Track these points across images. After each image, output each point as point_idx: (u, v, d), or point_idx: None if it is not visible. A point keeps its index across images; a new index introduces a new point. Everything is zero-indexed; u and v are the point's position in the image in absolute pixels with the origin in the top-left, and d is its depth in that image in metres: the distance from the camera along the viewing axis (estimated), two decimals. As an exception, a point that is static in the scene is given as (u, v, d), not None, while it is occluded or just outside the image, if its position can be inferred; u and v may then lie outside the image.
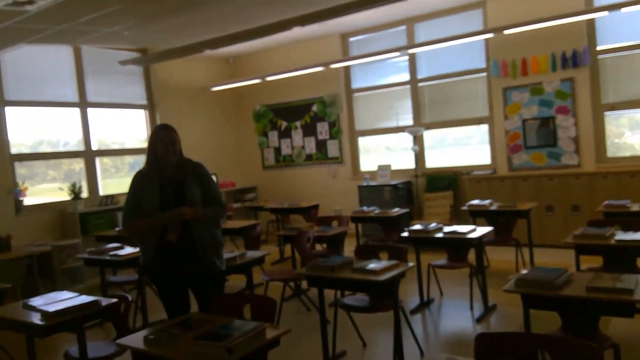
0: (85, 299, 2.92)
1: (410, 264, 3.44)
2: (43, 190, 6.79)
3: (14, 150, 6.38)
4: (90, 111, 7.29)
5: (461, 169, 7.30)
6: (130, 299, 3.15)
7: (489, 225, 5.02)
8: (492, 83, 7.00)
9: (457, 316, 4.38)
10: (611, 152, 6.44)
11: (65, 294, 3.10)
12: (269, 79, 8.31)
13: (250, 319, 2.53)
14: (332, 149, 8.47)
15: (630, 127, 6.53)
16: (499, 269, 5.49)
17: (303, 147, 8.79)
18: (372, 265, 3.28)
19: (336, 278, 3.28)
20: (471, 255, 4.50)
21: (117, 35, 6.01)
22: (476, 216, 5.56)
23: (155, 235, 2.96)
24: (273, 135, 9.11)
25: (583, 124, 6.38)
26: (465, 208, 5.71)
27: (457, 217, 6.85)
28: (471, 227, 4.45)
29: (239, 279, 4.36)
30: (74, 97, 7.13)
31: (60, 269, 6.03)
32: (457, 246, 4.55)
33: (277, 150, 9.09)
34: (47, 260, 5.48)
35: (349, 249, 6.25)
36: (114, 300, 2.97)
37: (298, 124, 8.79)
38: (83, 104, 7.22)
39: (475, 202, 5.76)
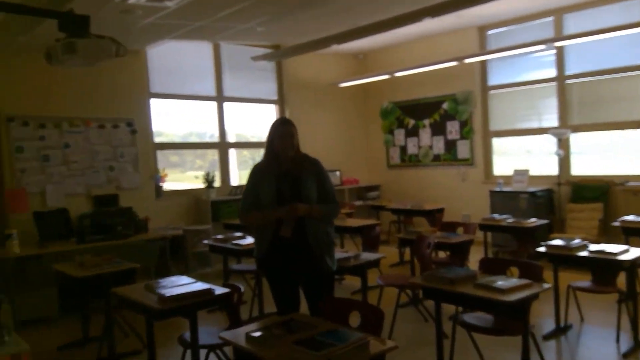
0: (200, 286, 2.97)
1: (546, 285, 2.99)
2: (187, 177, 7.29)
3: (156, 139, 6.91)
4: (227, 105, 7.67)
5: (614, 179, 6.37)
6: (242, 289, 3.16)
7: (647, 246, 4.27)
8: (658, 81, 5.99)
9: (599, 348, 3.77)
10: None
11: (184, 279, 3.21)
12: (397, 74, 8.04)
13: (357, 328, 2.36)
14: (463, 149, 7.96)
15: None
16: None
17: (431, 147, 8.38)
18: (500, 282, 2.90)
19: (456, 293, 2.96)
20: (621, 280, 3.84)
21: (251, 32, 6.21)
22: (630, 234, 4.81)
23: (270, 229, 2.95)
24: (399, 134, 8.83)
25: None
26: (617, 224, 4.95)
27: (607, 233, 5.98)
28: (623, 247, 3.81)
29: (355, 279, 4.22)
30: (212, 91, 7.55)
31: (192, 253, 6.42)
32: (604, 268, 3.91)
33: (403, 149, 8.79)
34: (179, 243, 5.85)
35: (474, 258, 5.79)
36: (226, 290, 2.99)
37: (426, 122, 8.41)
38: (220, 98, 7.62)
39: (630, 217, 4.97)
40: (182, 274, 6.26)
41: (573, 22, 6.71)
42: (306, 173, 3.01)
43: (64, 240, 5.14)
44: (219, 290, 2.99)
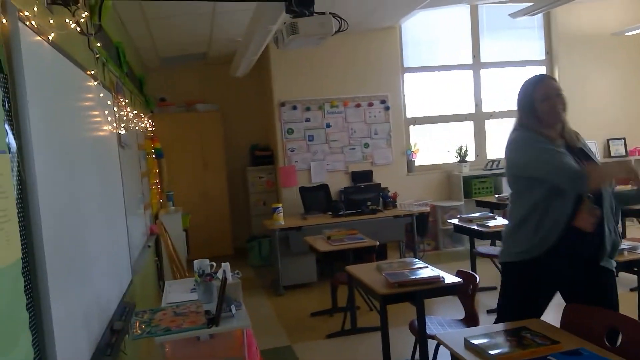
0: (429, 272, 2.81)
1: None
2: (440, 152, 7.05)
3: (409, 114, 6.88)
4: (484, 72, 7.12)
5: None
6: (478, 279, 2.86)
7: None
8: None
9: None
10: None
11: (418, 263, 3.08)
12: None
13: (615, 349, 1.84)
14: None
15: None
16: None
17: None
18: None
19: None
20: None
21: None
22: None
23: (565, 217, 2.21)
24: None
25: None
26: None
27: None
28: None
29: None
30: (468, 59, 7.10)
31: (443, 229, 6.26)
32: None
33: None
34: (425, 219, 5.74)
35: None
36: (457, 280, 2.75)
37: None
38: (477, 65, 7.12)
39: None
40: (434, 250, 6.30)
41: None
42: (585, 146, 2.36)
43: (323, 213, 5.59)
44: (450, 278, 2.77)
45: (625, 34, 7.15)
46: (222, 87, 7.20)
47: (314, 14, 2.77)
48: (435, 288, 2.68)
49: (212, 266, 2.55)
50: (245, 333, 2.14)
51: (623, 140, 7.10)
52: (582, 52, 7.16)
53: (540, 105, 2.28)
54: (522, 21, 6.96)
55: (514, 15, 6.42)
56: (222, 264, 2.38)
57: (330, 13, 2.76)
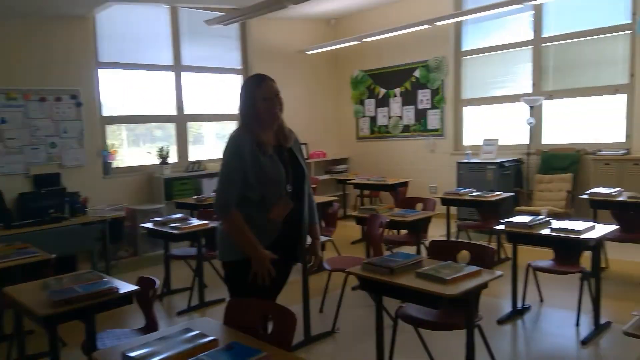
0: (102, 285, 2.61)
1: (498, 272, 2.68)
2: (142, 153, 6.79)
3: (105, 112, 6.42)
4: (185, 76, 7.18)
5: (586, 147, 6.08)
6: (157, 283, 2.81)
7: (614, 219, 4.05)
8: (636, 43, 5.63)
9: (557, 333, 3.52)
10: None
11: (97, 275, 2.85)
12: (367, 40, 7.60)
13: (269, 336, 2.04)
14: (433, 119, 7.60)
15: None
16: (620, 272, 4.44)
17: (400, 117, 8.01)
18: (445, 271, 2.60)
19: (395, 285, 2.63)
20: (587, 255, 3.56)
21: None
22: (598, 207, 4.55)
23: (277, 221, 2.36)
24: (370, 104, 8.43)
25: None
26: (585, 196, 4.66)
27: (575, 205, 5.72)
28: (588, 223, 3.53)
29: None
30: (169, 60, 7.05)
31: (142, 234, 6.06)
32: (567, 247, 3.63)
33: (373, 120, 8.41)
34: (120, 225, 5.47)
35: (439, 233, 5.56)
36: (134, 288, 2.65)
37: (397, 91, 8.00)
38: (178, 67, 7.13)
39: (600, 189, 4.69)
40: (132, 256, 6.05)
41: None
42: (295, 145, 2.50)
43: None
44: (127, 287, 2.64)
45: (306, 53, 8.27)
46: None
47: None
48: (108, 300, 2.52)
49: None
50: None
51: (305, 144, 8.18)
52: (273, 65, 7.91)
53: (260, 104, 2.35)
54: (222, 30, 7.32)
55: (209, 22, 6.68)
56: None
57: None
